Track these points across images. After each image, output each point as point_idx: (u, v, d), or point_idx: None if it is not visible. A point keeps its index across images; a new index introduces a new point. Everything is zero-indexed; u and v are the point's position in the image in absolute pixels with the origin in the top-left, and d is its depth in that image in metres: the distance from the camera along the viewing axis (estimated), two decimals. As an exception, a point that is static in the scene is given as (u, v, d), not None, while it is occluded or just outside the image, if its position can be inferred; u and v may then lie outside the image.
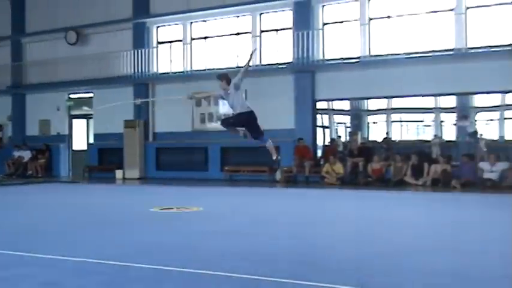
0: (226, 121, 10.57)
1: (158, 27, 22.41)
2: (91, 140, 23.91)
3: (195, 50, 21.66)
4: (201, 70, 21.22)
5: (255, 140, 10.15)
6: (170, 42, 22.15)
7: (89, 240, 7.23)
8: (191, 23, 21.62)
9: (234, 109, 10.19)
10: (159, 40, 22.42)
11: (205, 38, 21.45)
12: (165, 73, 22.05)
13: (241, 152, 19.91)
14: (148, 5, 22.23)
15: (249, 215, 9.92)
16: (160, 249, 6.53)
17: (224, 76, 10.29)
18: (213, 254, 6.19)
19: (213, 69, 20.73)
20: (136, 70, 21.90)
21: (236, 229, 8.21)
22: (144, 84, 22.01)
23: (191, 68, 21.55)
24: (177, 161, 21.34)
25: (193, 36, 21.68)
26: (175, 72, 21.76)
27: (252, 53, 10.51)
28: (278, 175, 18.52)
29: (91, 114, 23.85)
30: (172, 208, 10.60)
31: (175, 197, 14.07)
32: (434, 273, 5.20)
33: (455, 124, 18.84)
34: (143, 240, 7.17)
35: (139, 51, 21.88)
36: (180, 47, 21.80)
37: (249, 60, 10.05)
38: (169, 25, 22.16)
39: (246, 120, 9.96)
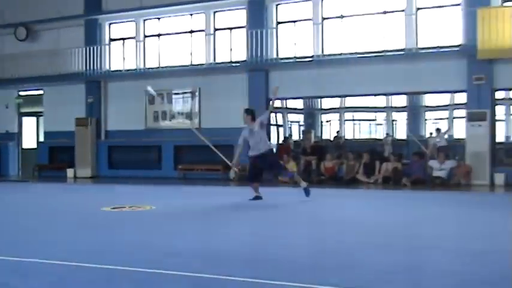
0: (252, 175, 11.07)
1: (111, 24, 22.09)
2: (41, 138, 23.43)
3: (148, 47, 21.46)
4: (154, 68, 21.05)
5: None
6: (123, 39, 21.87)
7: (38, 241, 7.07)
8: (144, 20, 21.40)
9: (255, 146, 10.49)
10: (112, 37, 22.11)
11: (158, 35, 21.27)
12: (117, 70, 21.76)
13: (195, 151, 19.79)
14: (100, 1, 21.89)
15: (202, 214, 9.88)
16: (112, 249, 6.44)
17: (251, 112, 10.52)
18: (166, 253, 6.14)
19: (167, 67, 20.61)
20: (88, 67, 21.52)
21: (189, 228, 8.17)
22: (96, 82, 21.68)
23: (144, 65, 21.33)
24: (130, 159, 21.10)
25: (146, 34, 21.47)
26: (128, 70, 21.50)
27: (276, 90, 10.97)
28: (232, 174, 18.47)
29: (41, 112, 23.35)
30: (124, 207, 10.46)
31: (127, 196, 13.90)
32: (387, 269, 5.27)
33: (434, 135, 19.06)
34: (94, 240, 7.06)
35: (91, 48, 21.52)
36: (133, 44, 21.56)
37: (275, 98, 10.30)
38: (122, 22, 21.88)
39: (270, 162, 10.28)
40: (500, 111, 17.91)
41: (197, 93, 20.13)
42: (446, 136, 18.75)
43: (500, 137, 17.67)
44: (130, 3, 21.05)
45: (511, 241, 6.85)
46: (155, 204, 10.89)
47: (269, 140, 19.63)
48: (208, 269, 5.25)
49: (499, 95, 17.14)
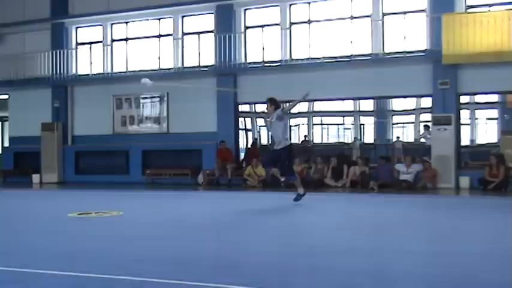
0: (268, 160, 11.07)
1: (77, 28, 21.88)
2: (6, 144, 23.03)
3: (116, 51, 21.30)
4: (122, 72, 20.89)
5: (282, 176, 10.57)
6: (90, 43, 21.67)
7: (0, 248, 6.95)
8: (112, 24, 21.25)
9: (273, 139, 10.41)
10: (79, 41, 21.89)
11: (126, 39, 21.13)
12: (84, 75, 21.56)
13: (163, 155, 19.74)
14: (67, 5, 21.67)
15: (170, 219, 9.83)
16: (78, 256, 6.36)
17: (273, 101, 10.31)
18: (132, 259, 6.09)
19: (134, 71, 20.47)
20: (54, 71, 21.26)
21: (156, 233, 8.11)
22: (62, 86, 21.44)
23: (112, 70, 21.16)
24: (97, 164, 20.88)
25: (114, 38, 21.31)
26: (96, 74, 21.31)
27: (306, 95, 10.79)
28: (200, 178, 18.48)
29: (6, 117, 22.96)
30: (90, 213, 10.33)
31: (94, 201, 13.74)
32: (350, 273, 5.31)
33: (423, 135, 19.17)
34: (60, 247, 6.96)
35: (58, 52, 21.27)
36: (100, 48, 21.36)
37: (300, 101, 10.67)
38: (89, 26, 21.68)
39: (279, 156, 10.45)
40: (464, 115, 18.23)
41: (165, 98, 20.04)
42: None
43: (465, 141, 17.99)
44: (98, 7, 20.88)
45: (474, 242, 6.99)
46: (122, 210, 10.79)
47: (245, 142, 19.95)
48: (177, 275, 5.21)
49: (464, 99, 17.47)
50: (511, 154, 16.88)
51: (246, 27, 19.40)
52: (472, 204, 11.55)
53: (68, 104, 21.48)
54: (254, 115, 22.31)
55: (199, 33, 20.02)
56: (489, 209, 11.11)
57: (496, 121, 20.85)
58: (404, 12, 17.52)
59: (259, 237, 7.71)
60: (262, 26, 19.26)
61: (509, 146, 17.17)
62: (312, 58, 18.29)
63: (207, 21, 19.83)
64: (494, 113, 21.03)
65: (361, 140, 21.52)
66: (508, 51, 15.25)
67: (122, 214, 10.27)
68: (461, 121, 17.38)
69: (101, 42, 21.33)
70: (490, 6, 16.68)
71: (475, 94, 17.98)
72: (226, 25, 19.10)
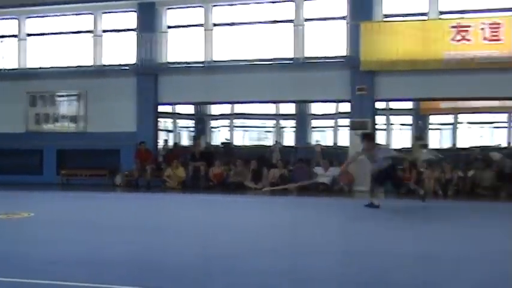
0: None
1: (-10, 20, 21.01)
2: None
3: (31, 46, 20.57)
4: (37, 68, 20.20)
5: None
6: (3, 37, 20.82)
7: None
8: (27, 17, 20.52)
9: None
10: (-8, 35, 21.02)
11: (42, 34, 20.45)
12: (-2, 70, 20.70)
13: (79, 155, 19.21)
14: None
15: (84, 221, 9.61)
16: (-16, 259, 6.13)
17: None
18: (44, 262, 5.92)
19: (51, 67, 19.88)
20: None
21: (70, 235, 7.91)
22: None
23: (26, 65, 20.43)
24: (9, 164, 19.96)
25: (29, 32, 20.59)
26: (9, 70, 20.49)
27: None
28: (118, 179, 18.16)
29: None
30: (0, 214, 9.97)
31: (4, 202, 13.21)
32: (266, 274, 5.39)
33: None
34: (-36, 249, 6.68)
35: (-32, 45, 20.34)
36: (14, 42, 20.58)
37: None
38: (2, 19, 20.84)
39: None
40: (381, 120, 18.85)
41: (84, 96, 19.54)
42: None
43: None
44: (12, 0, 20.09)
45: (386, 243, 7.25)
46: (34, 211, 10.46)
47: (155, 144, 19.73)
48: (88, 278, 5.13)
49: (380, 105, 18.07)
50: (422, 159, 17.60)
51: (168, 27, 19.24)
52: (383, 207, 11.90)
53: (-22, 100, 20.56)
54: (175, 116, 22.21)
55: (119, 30, 19.67)
56: (395, 212, 11.53)
57: (409, 127, 21.74)
58: (325, 19, 17.92)
59: (177, 239, 7.68)
60: (185, 26, 19.18)
61: (420, 151, 17.91)
62: (234, 60, 18.36)
63: (129, 19, 19.50)
64: (408, 119, 21.95)
65: (281, 143, 21.82)
66: (422, 60, 15.93)
67: (33, 215, 9.96)
68: (378, 127, 17.96)
69: (15, 36, 20.56)
70: (405, 16, 17.35)
71: (390, 100, 18.66)
72: (148, 24, 18.86)
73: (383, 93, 17.05)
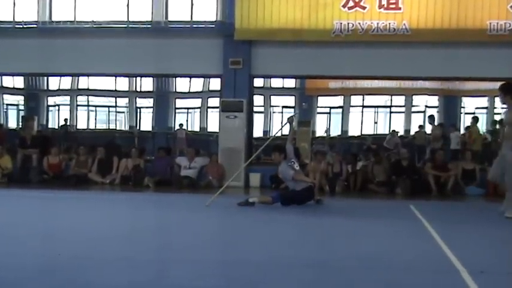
0: None
1: None
2: None
3: None
4: None
5: None
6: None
7: None
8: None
9: None
10: None
11: None
12: None
13: None
14: None
15: None
16: None
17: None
18: None
19: None
20: None
21: None
22: None
23: None
24: None
25: None
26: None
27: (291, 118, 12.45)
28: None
29: None
30: None
31: None
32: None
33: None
34: None
35: None
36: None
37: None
38: None
39: None
40: (258, 101, 18.98)
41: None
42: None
43: (257, 132, 18.69)
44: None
45: (257, 250, 7.14)
46: None
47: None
48: None
49: (258, 82, 18.08)
50: (307, 148, 17.93)
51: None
52: (263, 207, 11.87)
53: None
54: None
55: None
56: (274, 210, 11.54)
57: (293, 110, 22.10)
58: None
59: (10, 247, 7.14)
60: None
61: (304, 138, 18.21)
62: (78, 22, 17.67)
63: None
64: (291, 100, 22.26)
65: (137, 127, 21.50)
66: (307, 29, 15.93)
67: None
68: (255, 109, 18.01)
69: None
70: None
71: (270, 77, 18.77)
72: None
73: (262, 68, 16.86)
